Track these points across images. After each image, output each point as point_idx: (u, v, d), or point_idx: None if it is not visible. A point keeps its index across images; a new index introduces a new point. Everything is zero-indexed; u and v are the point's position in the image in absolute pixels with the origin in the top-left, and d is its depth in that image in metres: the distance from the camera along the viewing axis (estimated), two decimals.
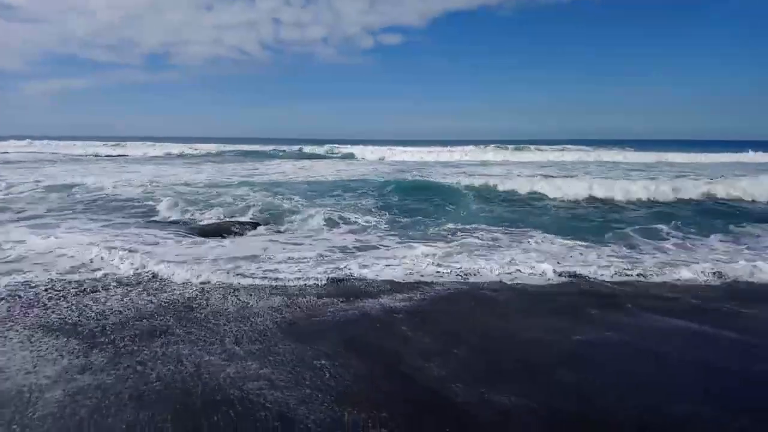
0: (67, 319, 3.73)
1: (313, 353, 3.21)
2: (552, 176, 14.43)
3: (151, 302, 4.17)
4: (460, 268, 5.22)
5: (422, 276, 5.00)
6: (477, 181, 12.44)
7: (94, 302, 4.12)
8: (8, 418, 2.45)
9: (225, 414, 2.51)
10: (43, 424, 2.42)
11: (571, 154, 29.82)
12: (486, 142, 36.30)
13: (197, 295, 4.38)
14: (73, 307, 3.99)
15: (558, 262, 5.48)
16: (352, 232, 7.25)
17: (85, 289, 4.43)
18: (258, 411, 2.53)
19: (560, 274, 5.09)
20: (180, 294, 4.39)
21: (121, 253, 5.48)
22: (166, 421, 2.45)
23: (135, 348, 3.25)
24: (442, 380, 2.91)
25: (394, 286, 4.71)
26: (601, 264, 5.47)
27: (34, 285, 4.50)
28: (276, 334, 3.54)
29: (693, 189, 11.12)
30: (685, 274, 5.12)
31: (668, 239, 6.96)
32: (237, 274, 4.93)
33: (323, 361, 3.10)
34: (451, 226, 7.61)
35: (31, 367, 2.96)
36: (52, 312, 3.87)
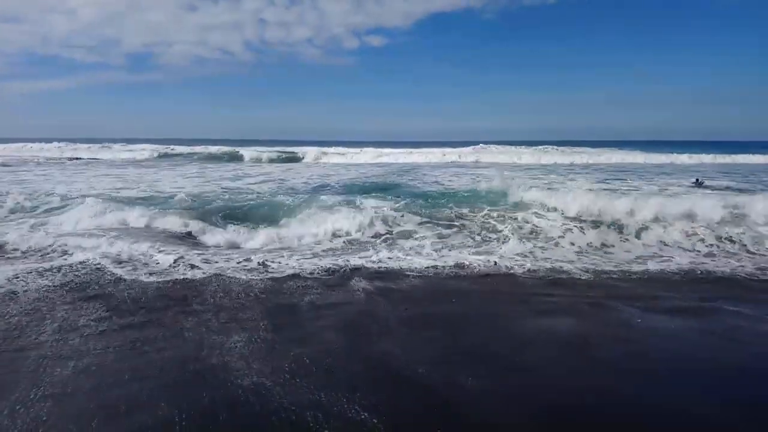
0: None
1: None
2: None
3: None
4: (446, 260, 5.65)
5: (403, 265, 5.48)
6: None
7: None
8: None
9: (219, 381, 2.82)
10: None
11: (557, 156, 30.30)
12: (472, 143, 36.55)
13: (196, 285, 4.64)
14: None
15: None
16: (345, 234, 7.40)
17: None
18: (236, 388, 2.83)
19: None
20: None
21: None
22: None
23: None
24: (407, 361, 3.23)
25: (373, 275, 5.16)
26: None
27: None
28: (261, 312, 3.93)
29: None
30: None
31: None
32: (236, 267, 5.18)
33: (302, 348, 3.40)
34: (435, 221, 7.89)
35: None
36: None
